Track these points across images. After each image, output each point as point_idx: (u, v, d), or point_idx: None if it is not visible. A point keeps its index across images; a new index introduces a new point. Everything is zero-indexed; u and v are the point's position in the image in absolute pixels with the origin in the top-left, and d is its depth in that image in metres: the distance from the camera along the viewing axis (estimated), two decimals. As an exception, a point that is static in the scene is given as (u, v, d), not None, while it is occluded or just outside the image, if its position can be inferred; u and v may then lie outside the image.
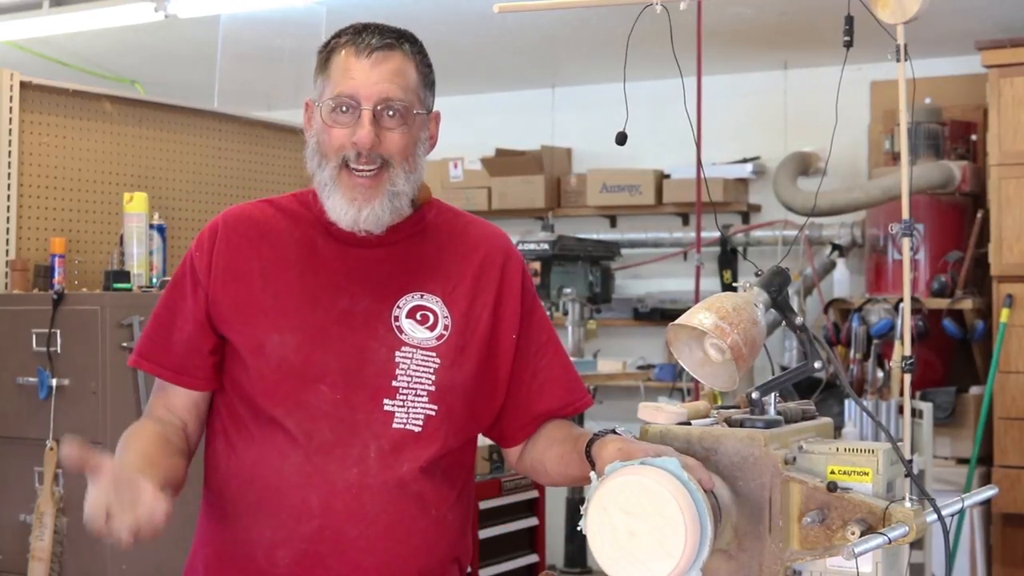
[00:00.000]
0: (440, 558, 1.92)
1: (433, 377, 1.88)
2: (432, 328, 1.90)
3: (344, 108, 1.85)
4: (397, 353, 1.87)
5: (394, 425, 1.85)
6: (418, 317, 1.90)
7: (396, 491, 1.85)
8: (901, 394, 4.24)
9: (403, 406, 1.86)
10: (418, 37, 1.93)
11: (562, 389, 2.02)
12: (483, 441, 2.08)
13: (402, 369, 1.87)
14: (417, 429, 1.86)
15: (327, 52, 1.90)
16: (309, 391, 1.85)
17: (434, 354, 1.89)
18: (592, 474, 1.70)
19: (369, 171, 1.85)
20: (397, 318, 1.89)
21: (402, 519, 1.86)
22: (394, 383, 1.86)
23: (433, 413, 1.87)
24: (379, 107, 1.84)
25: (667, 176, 6.50)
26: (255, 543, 1.86)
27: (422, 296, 1.91)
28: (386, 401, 1.86)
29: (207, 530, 1.96)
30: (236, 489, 1.90)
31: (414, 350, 1.88)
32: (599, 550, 1.62)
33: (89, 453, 1.61)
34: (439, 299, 1.92)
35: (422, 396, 1.87)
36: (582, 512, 1.64)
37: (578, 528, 1.66)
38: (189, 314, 1.91)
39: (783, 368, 4.60)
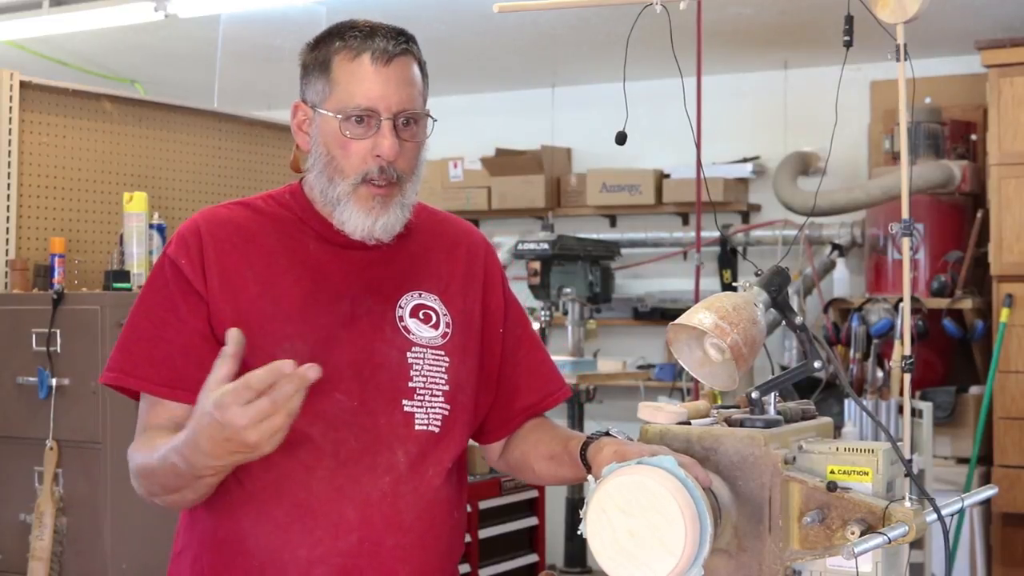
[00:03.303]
0: (455, 559, 1.93)
1: (446, 376, 1.86)
2: (436, 327, 1.88)
3: (360, 119, 1.79)
4: (409, 354, 1.84)
5: (416, 427, 1.83)
6: (421, 316, 1.88)
7: (427, 497, 1.83)
8: (901, 394, 4.24)
9: (422, 406, 1.84)
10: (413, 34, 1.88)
11: (541, 380, 2.02)
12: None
13: (416, 370, 1.84)
14: (436, 430, 1.85)
15: (327, 53, 1.82)
16: (325, 400, 1.79)
17: (443, 352, 1.87)
18: (589, 477, 1.69)
19: (384, 183, 1.81)
20: (402, 318, 1.86)
21: (432, 524, 1.84)
22: (410, 384, 1.83)
23: (448, 412, 1.86)
24: (399, 117, 1.80)
25: (667, 176, 6.50)
26: (288, 564, 1.79)
27: (420, 295, 1.89)
28: (405, 402, 1.83)
29: (219, 558, 1.84)
30: (256, 511, 1.80)
31: (424, 350, 1.85)
32: (600, 552, 1.61)
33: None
34: (437, 297, 1.90)
35: (438, 396, 1.85)
36: (581, 516, 1.64)
37: (578, 532, 1.66)
38: (184, 324, 1.81)
39: (783, 368, 4.60)
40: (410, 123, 1.82)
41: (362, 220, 1.82)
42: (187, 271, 1.82)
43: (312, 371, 1.51)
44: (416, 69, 1.84)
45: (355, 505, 1.79)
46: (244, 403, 1.51)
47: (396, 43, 1.81)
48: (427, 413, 1.84)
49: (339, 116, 1.80)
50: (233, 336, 1.58)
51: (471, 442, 2.01)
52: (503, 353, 1.98)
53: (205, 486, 1.71)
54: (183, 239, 1.85)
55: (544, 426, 2.00)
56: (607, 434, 1.80)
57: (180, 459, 1.64)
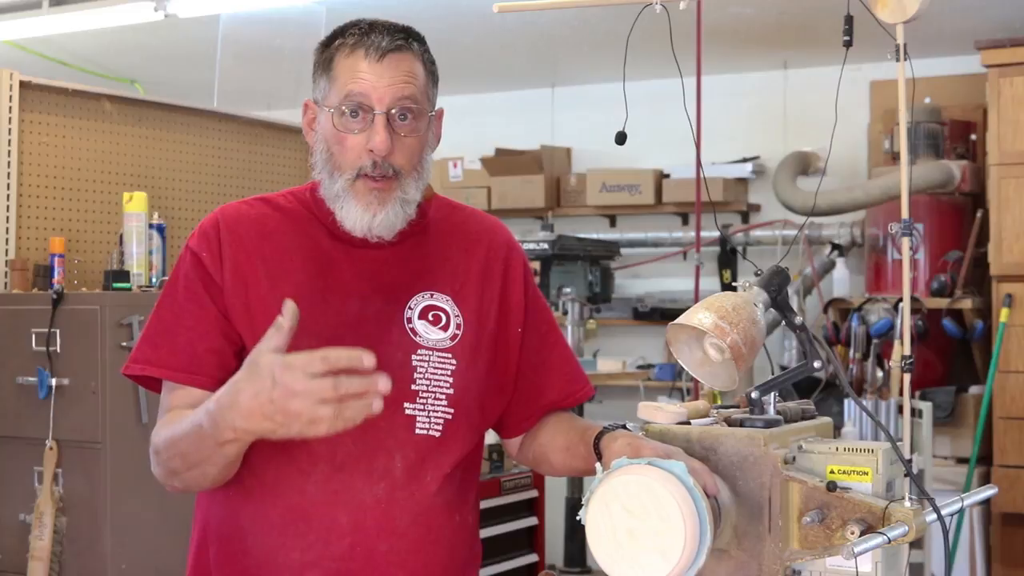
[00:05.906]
0: (462, 559, 1.92)
1: (451, 380, 1.85)
2: (445, 328, 1.87)
3: (355, 113, 1.80)
4: (414, 356, 1.84)
5: (416, 431, 1.82)
6: (430, 317, 1.87)
7: (424, 503, 1.82)
8: (901, 394, 4.24)
9: (424, 410, 1.83)
10: (422, 33, 1.88)
11: (565, 379, 2.00)
12: (485, 439, 2.08)
13: (420, 372, 1.83)
14: (437, 435, 1.84)
15: (331, 51, 1.84)
16: None
17: (450, 355, 1.86)
18: (598, 466, 1.69)
19: (381, 178, 1.81)
20: (410, 320, 1.85)
21: (430, 529, 1.83)
22: (413, 387, 1.83)
23: (451, 417, 1.85)
24: (393, 111, 1.80)
25: (667, 176, 6.50)
26: (281, 566, 1.80)
27: (432, 295, 1.88)
28: (407, 405, 1.82)
29: (221, 550, 1.86)
30: (254, 510, 1.82)
31: (430, 352, 1.85)
32: (597, 545, 1.61)
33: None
34: (449, 298, 1.89)
35: (441, 400, 1.84)
36: (583, 503, 1.64)
37: (577, 518, 1.66)
38: (205, 312, 1.83)
39: (783, 368, 4.60)
40: (407, 118, 1.81)
41: (360, 216, 1.82)
42: (207, 263, 1.84)
43: (376, 404, 1.53)
44: (417, 66, 1.84)
45: (348, 510, 1.79)
46: (311, 373, 1.51)
47: (392, 39, 1.81)
48: (428, 417, 1.83)
49: (335, 111, 1.81)
50: (289, 309, 1.56)
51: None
52: (525, 351, 1.96)
53: (224, 458, 1.69)
54: (204, 232, 1.87)
55: (563, 419, 1.99)
56: (623, 427, 1.79)
57: (207, 419, 1.63)
